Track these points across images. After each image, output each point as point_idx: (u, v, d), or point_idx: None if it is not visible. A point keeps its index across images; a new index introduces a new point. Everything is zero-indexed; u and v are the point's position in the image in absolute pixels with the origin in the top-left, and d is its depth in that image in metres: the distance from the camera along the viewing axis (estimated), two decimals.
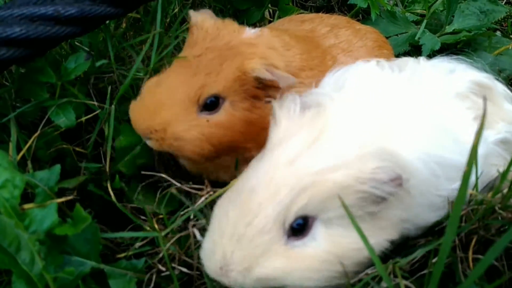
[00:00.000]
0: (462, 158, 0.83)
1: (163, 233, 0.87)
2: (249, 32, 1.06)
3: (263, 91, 1.01)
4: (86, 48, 1.22)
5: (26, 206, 0.81)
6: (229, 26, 1.07)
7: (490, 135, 0.95)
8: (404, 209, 0.83)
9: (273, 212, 0.76)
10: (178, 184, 1.01)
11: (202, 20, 1.06)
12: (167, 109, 0.97)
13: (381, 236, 0.81)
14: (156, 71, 1.11)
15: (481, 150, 0.82)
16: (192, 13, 1.09)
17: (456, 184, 0.85)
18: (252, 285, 0.78)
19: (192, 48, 1.03)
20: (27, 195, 0.91)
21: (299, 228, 0.78)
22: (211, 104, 0.99)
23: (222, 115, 1.00)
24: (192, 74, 0.99)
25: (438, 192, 0.86)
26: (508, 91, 1.08)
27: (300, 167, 0.77)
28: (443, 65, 1.05)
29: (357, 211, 0.78)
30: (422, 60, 1.07)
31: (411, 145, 0.82)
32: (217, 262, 0.77)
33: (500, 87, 1.06)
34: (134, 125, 1.00)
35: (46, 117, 0.98)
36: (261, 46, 1.03)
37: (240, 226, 0.77)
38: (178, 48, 1.28)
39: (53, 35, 0.88)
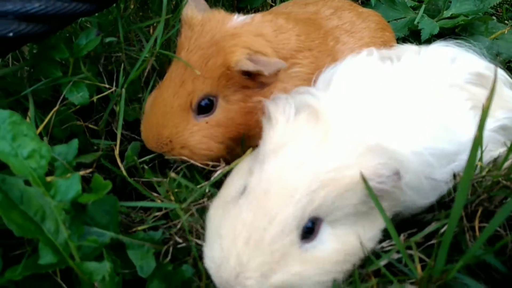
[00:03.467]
0: (454, 147, 0.88)
1: (183, 205, 0.89)
2: (236, 21, 1.07)
3: (252, 80, 1.03)
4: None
5: (48, 178, 0.83)
6: (215, 17, 1.08)
7: (489, 123, 0.96)
8: (396, 199, 0.85)
9: (292, 213, 0.73)
10: (191, 161, 1.04)
11: (190, 17, 1.08)
12: (167, 123, 1.02)
13: (378, 227, 0.83)
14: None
15: None
16: (184, 7, 1.11)
17: (449, 167, 0.90)
18: None
19: (181, 52, 1.06)
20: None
21: (308, 231, 0.76)
22: (206, 106, 1.03)
23: (219, 113, 1.04)
24: (179, 83, 1.03)
25: (429, 178, 0.87)
26: (507, 76, 1.11)
27: (312, 168, 0.76)
28: (444, 52, 1.06)
29: (362, 207, 0.79)
30: (422, 48, 1.08)
31: (407, 140, 0.83)
32: (232, 269, 0.72)
33: (499, 73, 1.08)
34: (147, 145, 1.07)
35: (62, 95, 1.00)
36: (245, 35, 1.03)
37: (256, 230, 0.72)
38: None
39: (70, 12, 0.89)
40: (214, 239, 0.77)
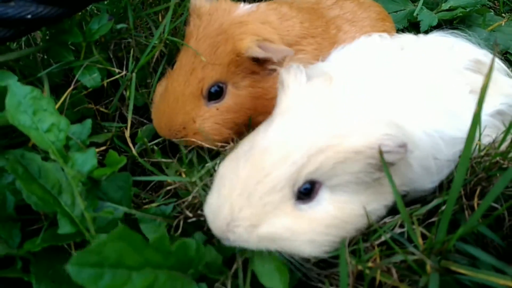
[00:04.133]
0: (460, 133, 0.89)
1: (193, 179, 0.92)
2: (242, 9, 1.11)
3: (260, 66, 1.07)
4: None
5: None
6: (222, 6, 1.12)
7: (487, 108, 0.99)
8: (405, 175, 0.87)
9: (285, 172, 0.76)
10: (199, 142, 1.07)
11: (198, 6, 1.13)
12: (179, 110, 1.06)
13: (381, 202, 0.85)
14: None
15: None
16: None
17: (453, 150, 0.92)
18: (256, 243, 0.77)
19: (190, 40, 1.09)
20: None
21: (306, 192, 0.79)
22: (216, 93, 1.07)
23: (228, 99, 1.08)
24: (190, 71, 1.06)
25: (436, 158, 0.90)
26: (502, 64, 1.14)
27: (314, 132, 0.78)
28: (442, 41, 1.09)
29: (365, 177, 0.80)
30: (421, 36, 1.11)
31: (417, 121, 0.85)
32: (224, 217, 0.76)
33: (495, 62, 1.08)
34: (160, 133, 1.10)
35: (75, 78, 1.03)
36: (252, 23, 1.07)
37: (250, 183, 0.76)
38: None
39: None
40: (215, 188, 0.81)
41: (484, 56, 1.08)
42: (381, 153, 0.77)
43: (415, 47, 1.04)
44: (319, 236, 0.78)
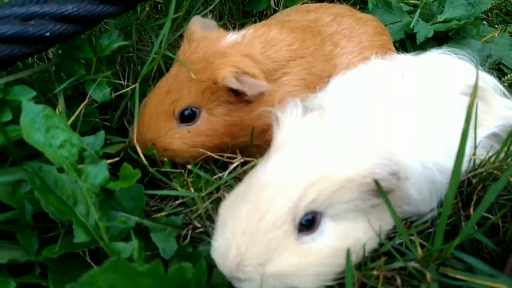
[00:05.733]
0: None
1: (202, 194, 0.96)
2: (229, 40, 1.15)
3: (236, 97, 1.10)
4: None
5: (79, 166, 0.91)
6: (211, 36, 1.16)
7: (482, 131, 1.02)
8: (403, 202, 0.90)
9: (283, 207, 0.78)
10: (209, 153, 1.11)
11: (191, 32, 1.17)
12: (152, 127, 1.11)
13: (383, 227, 0.86)
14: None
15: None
16: (192, 21, 1.19)
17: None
18: (267, 281, 0.77)
19: (175, 62, 1.14)
20: None
21: (308, 224, 0.80)
22: (189, 116, 1.11)
23: (201, 124, 1.11)
24: (166, 92, 1.11)
25: (431, 188, 0.91)
26: (497, 83, 1.15)
27: (308, 165, 0.80)
28: (439, 62, 1.10)
29: (362, 204, 0.82)
30: (418, 57, 1.12)
31: (412, 151, 0.86)
32: (233, 258, 0.77)
33: (490, 82, 1.12)
34: (136, 141, 1.13)
35: (90, 93, 1.07)
36: (234, 55, 1.10)
37: (252, 221, 0.77)
38: None
39: (98, 13, 0.97)
40: (219, 232, 0.83)
41: (480, 79, 1.10)
42: (376, 181, 0.79)
43: (413, 74, 1.04)
44: (323, 268, 0.80)
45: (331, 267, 0.80)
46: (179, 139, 1.11)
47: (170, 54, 1.20)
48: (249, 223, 0.78)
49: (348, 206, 0.81)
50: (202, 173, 1.05)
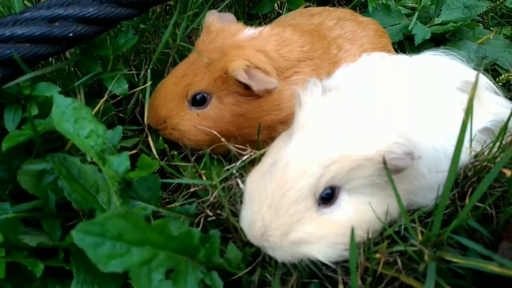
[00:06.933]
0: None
1: (214, 182, 1.02)
2: (246, 34, 1.22)
3: (245, 89, 1.16)
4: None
5: None
6: (230, 28, 1.22)
7: (476, 125, 1.06)
8: (412, 183, 0.94)
9: (305, 185, 0.85)
10: (224, 141, 1.16)
11: (210, 23, 1.25)
12: (164, 106, 1.19)
13: (395, 204, 0.90)
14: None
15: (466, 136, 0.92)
16: (208, 14, 1.26)
17: None
18: (288, 249, 0.87)
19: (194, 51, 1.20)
20: None
21: (328, 197, 0.88)
22: (200, 100, 1.18)
23: (210, 109, 1.18)
24: (181, 76, 1.19)
25: (438, 171, 0.96)
26: (489, 82, 1.21)
27: (328, 144, 0.87)
28: (435, 60, 1.16)
29: (377, 179, 0.88)
30: (414, 57, 1.18)
31: (424, 134, 0.92)
32: (259, 229, 0.87)
33: (482, 80, 1.17)
34: (149, 122, 1.22)
35: (109, 88, 1.14)
36: (248, 49, 1.16)
37: (277, 197, 0.86)
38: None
39: (117, 15, 1.04)
40: (247, 204, 0.92)
41: (473, 77, 1.16)
42: (385, 161, 0.85)
43: (412, 67, 1.11)
44: (340, 237, 0.87)
45: (345, 237, 0.86)
46: (188, 120, 1.18)
47: (184, 44, 1.26)
48: (274, 199, 0.86)
49: (364, 181, 0.88)
50: (214, 162, 1.11)
